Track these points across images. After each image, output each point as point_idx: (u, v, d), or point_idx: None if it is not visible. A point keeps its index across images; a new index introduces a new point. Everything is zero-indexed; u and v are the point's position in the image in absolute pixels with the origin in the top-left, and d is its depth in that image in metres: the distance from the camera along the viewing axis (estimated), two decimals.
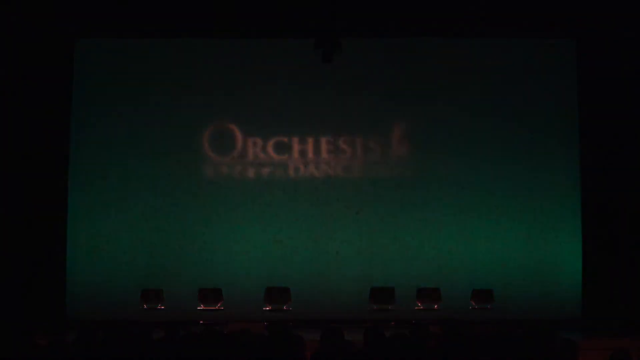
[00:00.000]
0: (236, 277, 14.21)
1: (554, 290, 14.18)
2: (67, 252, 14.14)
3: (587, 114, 14.25)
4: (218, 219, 14.45)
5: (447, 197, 14.44)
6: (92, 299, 14.01)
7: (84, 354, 7.54)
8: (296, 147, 14.63)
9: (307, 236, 14.44)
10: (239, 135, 14.62)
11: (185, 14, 13.95)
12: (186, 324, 11.01)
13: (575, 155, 14.37)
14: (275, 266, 14.29)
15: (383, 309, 13.63)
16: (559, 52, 14.60)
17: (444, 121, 14.50)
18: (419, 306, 13.70)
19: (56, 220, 14.01)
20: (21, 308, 13.42)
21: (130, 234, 14.36)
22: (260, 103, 14.53)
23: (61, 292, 14.02)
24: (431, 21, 14.00)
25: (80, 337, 7.70)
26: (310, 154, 14.63)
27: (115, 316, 13.20)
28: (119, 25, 14.05)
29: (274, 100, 14.53)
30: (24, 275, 13.69)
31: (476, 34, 14.32)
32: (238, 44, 14.59)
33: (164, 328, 8.18)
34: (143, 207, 14.40)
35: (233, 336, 7.78)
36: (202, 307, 13.62)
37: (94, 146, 14.47)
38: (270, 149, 14.61)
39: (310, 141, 14.65)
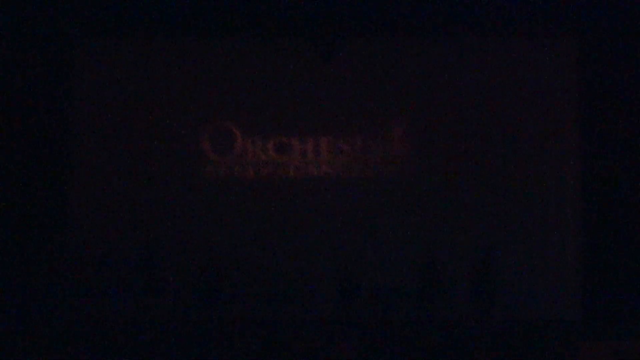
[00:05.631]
0: (237, 277, 14.22)
1: (554, 290, 14.17)
2: (66, 253, 14.15)
3: (588, 113, 14.24)
4: (217, 218, 14.45)
5: (446, 197, 14.43)
6: (92, 299, 14.03)
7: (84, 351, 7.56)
8: (296, 147, 14.63)
9: (307, 236, 14.43)
10: (239, 135, 14.61)
11: (185, 14, 13.95)
12: (185, 323, 11.13)
13: (576, 155, 14.36)
14: (274, 266, 14.30)
15: (383, 310, 13.65)
16: (560, 52, 14.59)
17: (443, 121, 14.49)
18: (418, 307, 13.72)
19: (56, 221, 14.02)
20: (21, 305, 13.47)
21: (130, 233, 14.36)
22: (260, 103, 14.53)
23: (61, 291, 14.05)
24: (431, 21, 14.00)
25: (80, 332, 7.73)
26: (310, 154, 14.62)
27: (115, 314, 13.27)
28: (119, 26, 14.05)
29: (274, 100, 14.52)
30: (23, 275, 13.76)
31: (476, 34, 14.31)
32: (238, 44, 14.58)
33: (162, 327, 8.20)
34: (143, 206, 14.40)
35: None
36: (200, 306, 13.68)
37: (94, 146, 14.47)
38: (270, 149, 14.60)
39: (310, 141, 14.64)
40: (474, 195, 14.40)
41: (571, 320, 13.78)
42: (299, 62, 14.31)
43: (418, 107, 14.57)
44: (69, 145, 14.37)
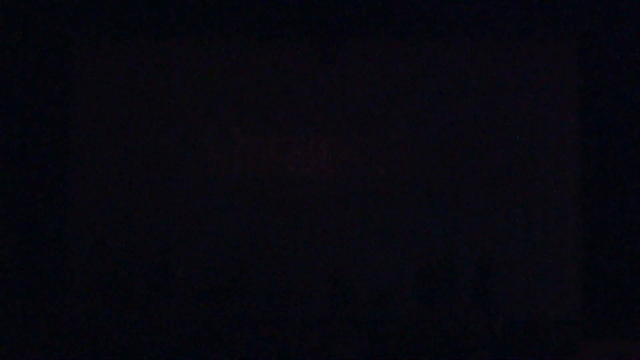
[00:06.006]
0: (236, 276, 14.22)
1: (554, 290, 14.19)
2: (67, 253, 14.17)
3: (588, 114, 14.26)
4: (217, 218, 14.45)
5: (446, 197, 14.44)
6: (93, 298, 14.04)
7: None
8: (296, 147, 14.64)
9: (306, 235, 14.44)
10: (240, 135, 14.62)
11: (186, 15, 13.98)
12: (186, 322, 11.15)
13: (576, 156, 14.37)
14: (272, 264, 14.31)
15: (383, 310, 13.67)
16: (560, 52, 14.61)
17: (444, 121, 14.50)
18: (418, 307, 13.73)
19: (56, 222, 14.04)
20: (21, 304, 13.50)
21: (131, 233, 14.37)
22: (262, 104, 14.54)
23: (61, 291, 14.07)
24: (431, 21, 14.02)
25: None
26: (310, 154, 14.63)
27: (116, 313, 13.30)
28: (119, 25, 14.08)
29: (275, 101, 14.53)
30: (24, 273, 13.79)
31: (476, 34, 14.33)
32: (240, 45, 14.59)
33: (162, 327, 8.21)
34: (143, 206, 14.41)
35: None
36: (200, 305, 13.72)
37: (94, 146, 14.48)
38: (271, 149, 14.60)
39: (310, 141, 14.64)
40: (474, 196, 14.41)
41: (571, 320, 13.79)
42: (300, 63, 14.33)
43: (418, 107, 14.58)
44: (70, 145, 14.39)
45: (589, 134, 14.22)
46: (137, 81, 14.55)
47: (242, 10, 13.89)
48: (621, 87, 13.97)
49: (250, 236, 14.37)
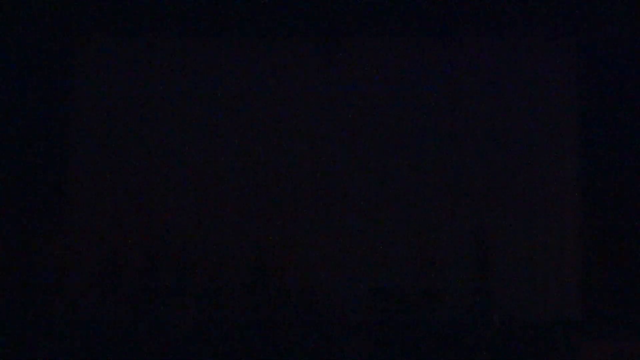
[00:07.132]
0: (236, 277, 14.23)
1: (554, 290, 14.19)
2: (66, 253, 14.18)
3: (587, 114, 14.28)
4: (218, 217, 14.46)
5: (446, 196, 14.45)
6: (92, 298, 14.05)
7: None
8: (295, 144, 14.64)
9: (305, 233, 14.44)
10: (238, 133, 14.63)
11: (185, 14, 14.00)
12: (185, 324, 11.13)
13: (575, 156, 14.38)
14: (270, 263, 14.31)
15: (382, 310, 13.67)
16: (560, 52, 14.63)
17: (443, 120, 14.51)
18: (417, 307, 13.72)
19: (56, 222, 14.05)
20: (19, 306, 13.52)
21: (131, 233, 14.38)
22: (260, 102, 14.56)
23: (60, 290, 14.08)
24: (431, 20, 14.05)
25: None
26: (309, 152, 14.63)
27: (117, 314, 13.35)
28: (119, 25, 14.11)
29: (275, 99, 14.55)
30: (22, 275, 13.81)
31: (476, 34, 14.35)
32: (239, 44, 14.61)
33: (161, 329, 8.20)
34: (144, 206, 14.42)
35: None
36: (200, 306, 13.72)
37: (94, 145, 14.50)
38: (270, 147, 14.61)
39: (309, 138, 14.65)
40: (474, 196, 14.42)
41: (571, 320, 13.80)
42: (300, 62, 14.35)
43: (418, 106, 14.59)
44: (69, 145, 14.42)
45: (589, 133, 14.24)
46: (137, 80, 14.56)
47: (241, 10, 13.91)
48: (621, 87, 13.98)
49: (249, 235, 14.38)
